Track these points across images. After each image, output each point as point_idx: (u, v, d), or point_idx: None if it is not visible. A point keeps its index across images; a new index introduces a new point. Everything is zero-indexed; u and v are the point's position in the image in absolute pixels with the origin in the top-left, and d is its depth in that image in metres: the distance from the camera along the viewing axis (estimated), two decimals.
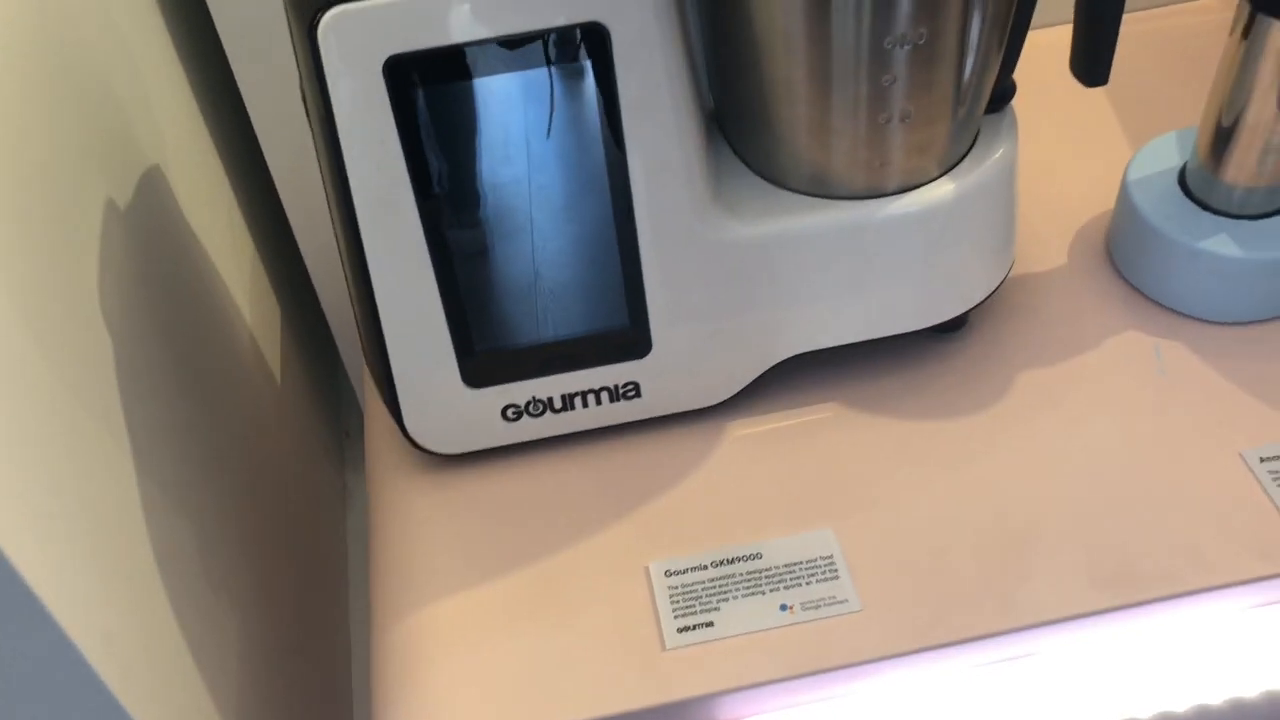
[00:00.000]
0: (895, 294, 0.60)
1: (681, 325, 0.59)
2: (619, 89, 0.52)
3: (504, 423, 0.60)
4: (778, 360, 0.62)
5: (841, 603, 0.55)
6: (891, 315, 0.61)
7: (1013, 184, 0.61)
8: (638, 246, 0.56)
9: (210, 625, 0.59)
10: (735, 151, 0.60)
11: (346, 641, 0.90)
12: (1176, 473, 0.59)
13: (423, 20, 0.49)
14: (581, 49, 0.51)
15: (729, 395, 0.62)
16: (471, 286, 0.57)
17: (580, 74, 0.52)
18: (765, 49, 0.53)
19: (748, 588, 0.55)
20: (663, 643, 0.54)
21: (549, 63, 0.51)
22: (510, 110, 0.53)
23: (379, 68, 0.49)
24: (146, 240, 0.63)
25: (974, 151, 0.59)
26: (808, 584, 0.55)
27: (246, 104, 0.76)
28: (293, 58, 0.52)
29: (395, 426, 0.61)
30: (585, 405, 0.60)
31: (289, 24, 0.51)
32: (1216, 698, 0.59)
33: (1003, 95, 0.59)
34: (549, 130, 0.54)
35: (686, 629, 0.54)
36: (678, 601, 0.55)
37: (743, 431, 0.63)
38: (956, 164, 0.58)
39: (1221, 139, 0.62)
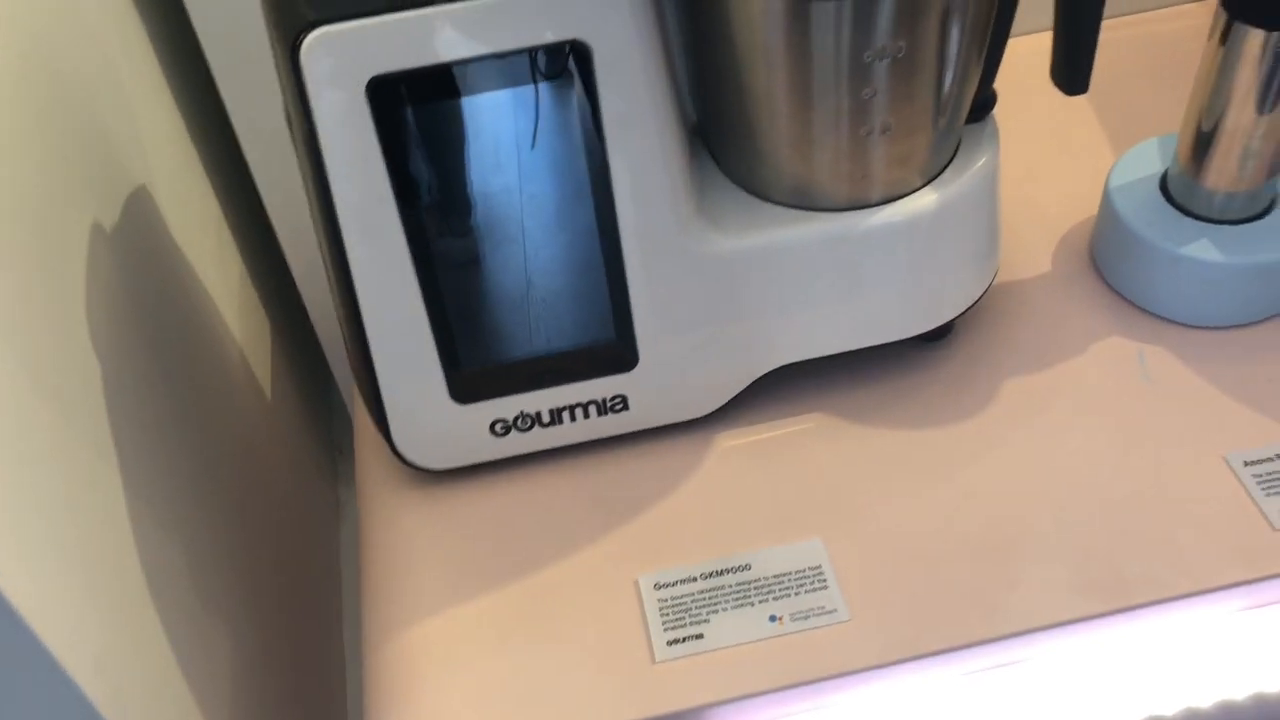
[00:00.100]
0: (880, 304, 0.61)
1: (668, 338, 0.59)
2: (601, 105, 0.52)
3: (492, 438, 0.60)
4: (764, 371, 0.62)
5: (830, 613, 0.55)
6: (877, 325, 0.62)
7: (995, 193, 0.61)
8: (623, 261, 0.57)
9: (202, 643, 0.59)
10: (718, 165, 0.60)
11: (341, 657, 0.90)
12: (1162, 478, 0.59)
13: (405, 40, 0.49)
14: (563, 67, 0.51)
15: (716, 407, 0.62)
16: (458, 303, 0.57)
17: (562, 91, 0.52)
18: (746, 64, 0.53)
19: (737, 599, 0.56)
20: (653, 655, 0.54)
21: (531, 80, 0.52)
22: (493, 127, 0.53)
23: (362, 87, 0.50)
24: (134, 260, 0.63)
25: (956, 161, 0.59)
26: (796, 594, 0.55)
27: (232, 121, 0.77)
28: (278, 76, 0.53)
29: (384, 442, 0.61)
30: (573, 419, 0.61)
31: (271, 44, 0.52)
32: (1205, 701, 0.59)
33: (984, 105, 0.60)
34: (532, 147, 0.54)
35: (676, 641, 0.54)
36: (667, 614, 0.55)
37: (730, 443, 0.63)
38: (939, 174, 0.59)
39: (1202, 145, 0.63)
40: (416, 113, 0.52)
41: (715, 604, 0.55)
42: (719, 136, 0.60)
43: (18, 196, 0.51)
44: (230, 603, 0.65)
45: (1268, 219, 0.64)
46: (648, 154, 0.54)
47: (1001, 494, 0.59)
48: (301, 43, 0.49)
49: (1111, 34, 0.81)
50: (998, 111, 0.61)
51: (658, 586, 0.56)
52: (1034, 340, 0.65)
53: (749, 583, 0.56)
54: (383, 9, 0.49)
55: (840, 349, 0.62)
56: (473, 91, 0.52)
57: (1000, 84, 0.60)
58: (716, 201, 0.59)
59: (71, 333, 0.52)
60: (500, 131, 0.53)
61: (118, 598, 0.50)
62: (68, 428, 0.49)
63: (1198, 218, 0.64)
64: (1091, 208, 0.70)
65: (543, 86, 0.52)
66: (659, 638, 0.54)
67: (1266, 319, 0.65)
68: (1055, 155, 0.75)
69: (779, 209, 0.58)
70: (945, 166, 0.59)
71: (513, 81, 0.52)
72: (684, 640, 0.54)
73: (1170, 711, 0.59)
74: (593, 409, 0.61)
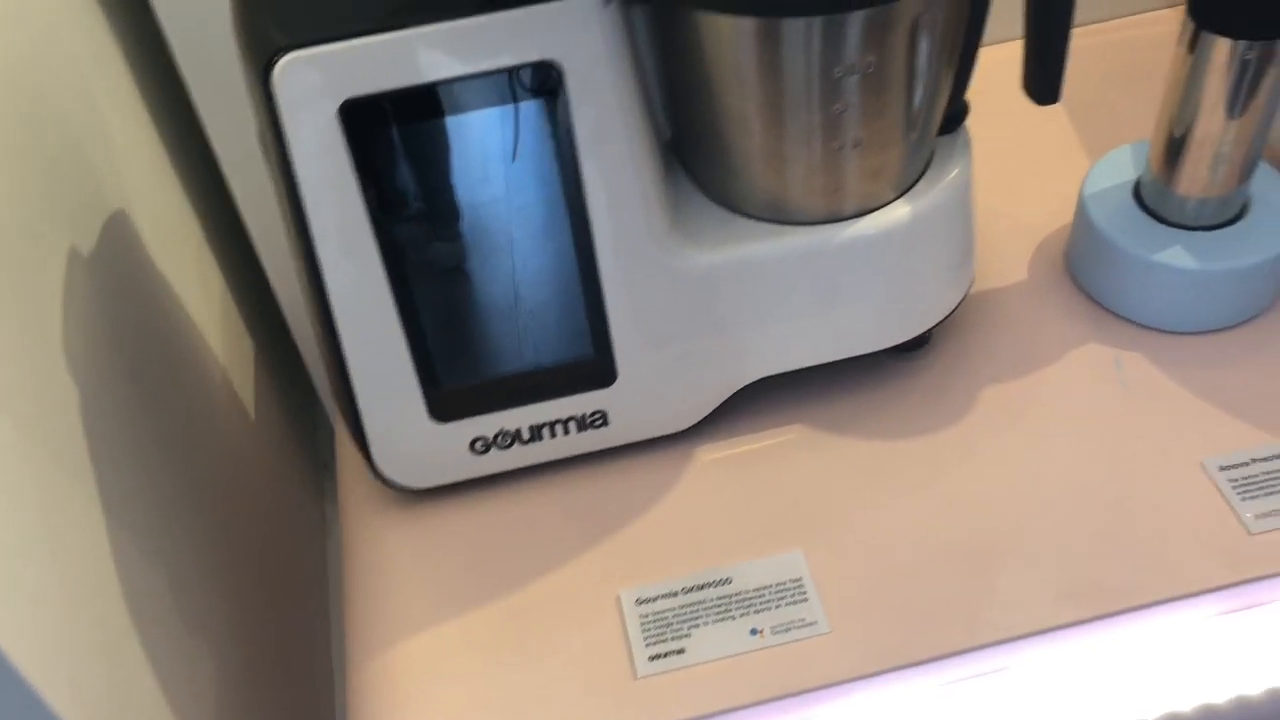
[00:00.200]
0: (857, 316, 0.61)
1: (646, 353, 0.60)
2: (574, 125, 0.53)
3: (472, 456, 0.60)
4: (743, 384, 0.63)
5: (811, 625, 0.55)
6: (854, 337, 0.62)
7: (968, 203, 0.62)
8: (599, 278, 0.57)
9: (184, 664, 0.59)
10: (694, 180, 0.61)
11: (329, 674, 0.90)
12: (1140, 483, 0.59)
13: (378, 63, 0.50)
14: (536, 87, 0.52)
15: (696, 421, 0.63)
16: (435, 322, 0.57)
17: (536, 111, 0.53)
18: (717, 81, 0.54)
19: (718, 613, 0.56)
20: (634, 671, 0.54)
21: (504, 101, 0.52)
22: (467, 148, 0.53)
23: (334, 110, 0.50)
24: (112, 284, 0.63)
25: (929, 173, 0.60)
26: (777, 607, 0.56)
27: (211, 141, 0.77)
28: None
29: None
30: (553, 435, 0.61)
31: (244, 68, 0.52)
32: (1187, 705, 0.59)
33: (955, 116, 0.60)
34: (507, 167, 0.54)
35: (658, 656, 0.54)
36: (649, 629, 0.55)
37: (711, 456, 0.63)
38: (912, 186, 0.59)
39: (1173, 152, 0.63)
40: (390, 134, 0.52)
41: (696, 618, 0.56)
42: (693, 152, 0.60)
43: None
44: (214, 622, 0.65)
45: (1240, 224, 0.64)
46: (621, 171, 0.54)
47: (980, 502, 0.60)
48: (273, 67, 0.49)
49: (1084, 41, 0.81)
50: (973, 121, 0.62)
51: (639, 602, 0.57)
52: (1011, 348, 0.66)
53: (730, 596, 0.56)
54: (354, 32, 0.49)
55: (818, 361, 0.62)
56: (446, 112, 0.52)
57: (975, 92, 0.60)
58: (692, 216, 0.59)
59: (47, 357, 0.52)
60: (475, 151, 0.53)
61: (95, 620, 0.50)
62: (42, 453, 0.49)
63: (1171, 224, 0.65)
64: (1067, 215, 0.70)
65: (516, 106, 0.53)
66: (641, 653, 0.55)
67: (1240, 323, 0.65)
68: (1030, 163, 0.76)
69: (754, 223, 0.59)
70: (918, 178, 0.60)
71: (486, 101, 0.52)
72: (665, 655, 0.54)
73: (1151, 716, 0.59)
74: (572, 425, 0.61)
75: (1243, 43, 0.58)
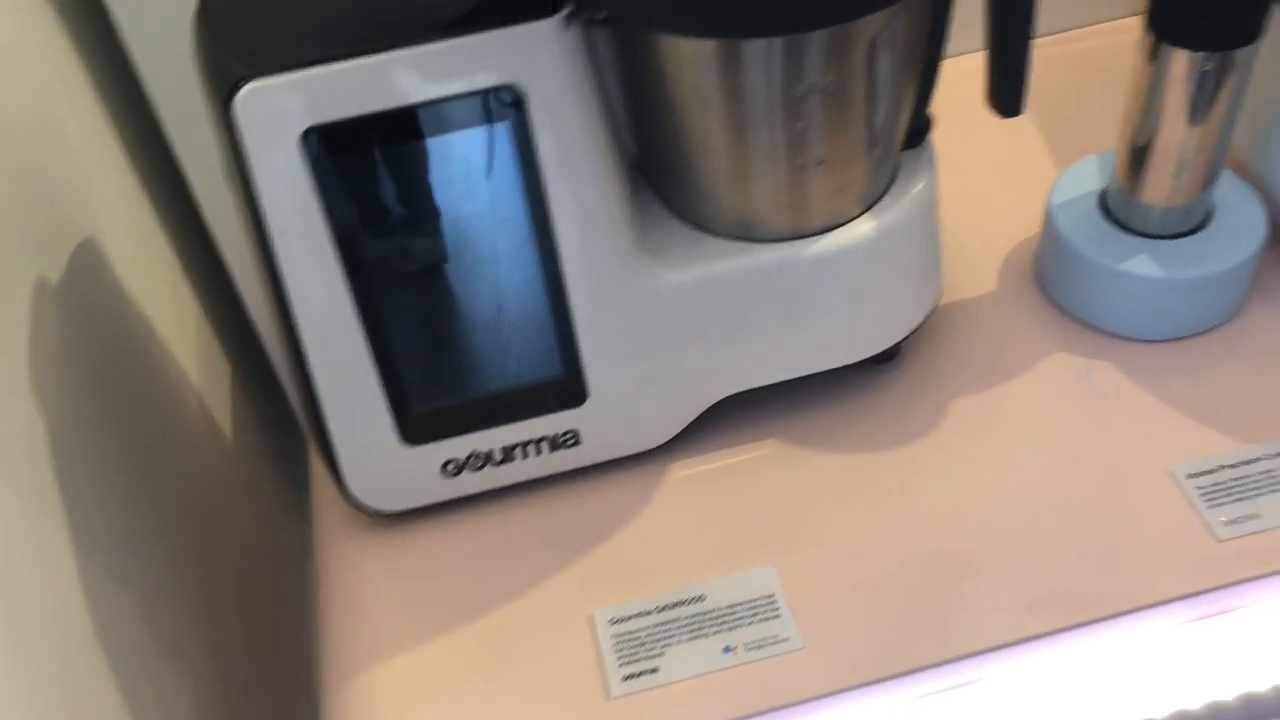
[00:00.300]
0: (825, 331, 0.61)
1: (616, 372, 0.60)
2: (538, 147, 0.53)
3: (444, 478, 0.61)
4: (714, 401, 0.63)
5: (784, 641, 0.55)
6: (823, 351, 0.62)
7: (934, 216, 0.62)
8: (568, 298, 0.57)
9: (158, 695, 0.59)
10: (660, 198, 0.61)
11: (312, 696, 0.90)
12: (1109, 493, 0.60)
13: (340, 91, 0.50)
14: (499, 111, 0.52)
15: (668, 438, 0.63)
16: (404, 346, 0.57)
17: (499, 134, 0.53)
18: (679, 102, 0.54)
19: (691, 631, 0.56)
20: (608, 691, 0.54)
21: (468, 125, 0.52)
22: (432, 172, 0.53)
23: (297, 139, 0.50)
24: (82, 315, 0.63)
25: (894, 188, 0.60)
26: (750, 624, 0.56)
27: (182, 164, 0.77)
28: None
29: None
30: (525, 456, 0.61)
31: (205, 97, 0.52)
32: (1161, 712, 0.59)
33: (919, 131, 0.61)
34: (472, 190, 0.54)
35: (631, 676, 0.54)
36: (622, 649, 0.55)
37: (683, 473, 0.63)
38: (877, 201, 0.60)
39: (1137, 161, 0.64)
40: (353, 159, 0.52)
41: (670, 637, 0.56)
42: (659, 171, 0.60)
43: None
44: (191, 651, 0.65)
45: (1204, 232, 0.65)
46: (587, 192, 0.55)
47: (952, 513, 0.60)
48: (235, 96, 0.49)
49: (1052, 50, 0.82)
50: (940, 132, 0.62)
51: (613, 621, 0.57)
52: (981, 359, 0.66)
53: (703, 614, 0.56)
54: (315, 60, 0.49)
55: (788, 376, 0.62)
56: (409, 137, 0.52)
57: (945, 103, 0.61)
58: (659, 235, 0.59)
59: (15, 397, 0.52)
60: (439, 175, 0.54)
61: (63, 656, 0.50)
62: (11, 493, 0.49)
63: (1137, 233, 0.65)
64: (1035, 226, 0.71)
65: (481, 129, 0.53)
66: (614, 673, 0.55)
67: (1208, 330, 0.66)
68: (998, 174, 0.76)
69: (721, 241, 0.59)
70: (884, 193, 0.60)
71: (450, 126, 0.52)
72: (639, 675, 0.54)
73: None
74: (545, 445, 0.61)
75: (1201, 54, 0.58)
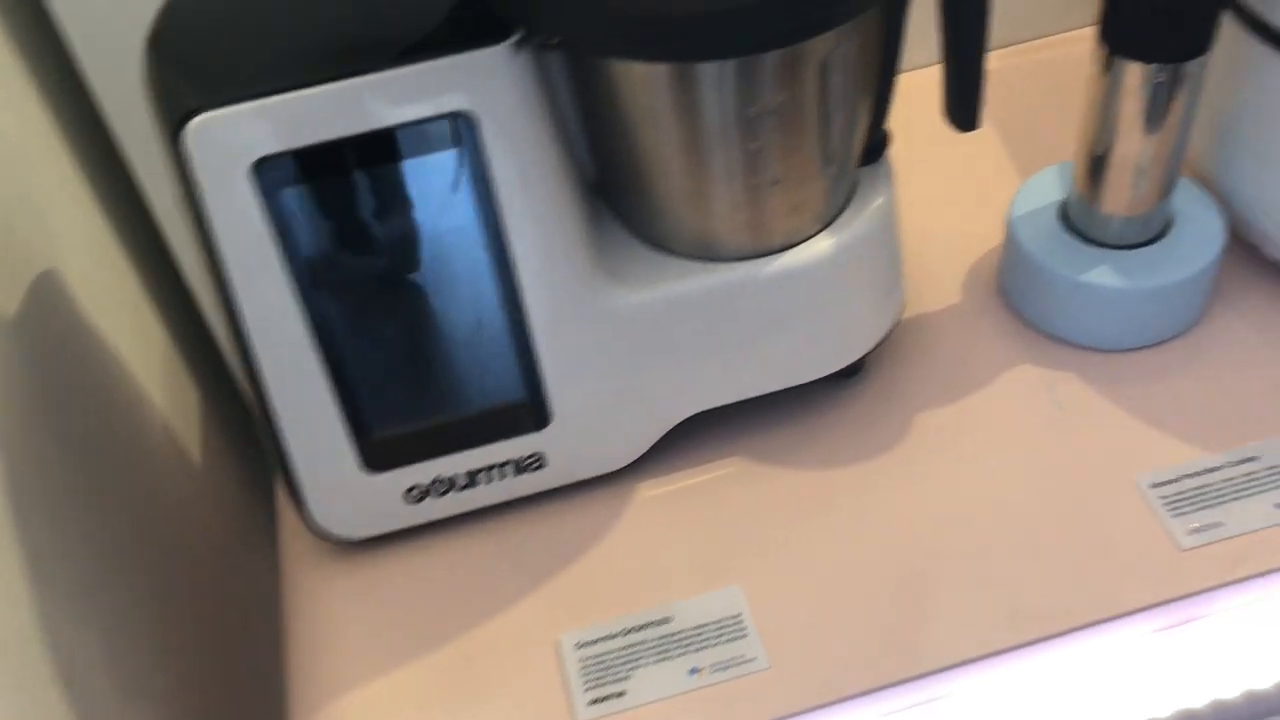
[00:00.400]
0: (788, 348, 0.61)
1: (579, 394, 0.60)
2: (493, 172, 0.53)
3: (408, 504, 0.60)
4: (678, 420, 0.63)
5: (750, 661, 0.55)
6: (786, 368, 0.62)
7: (893, 232, 0.62)
8: (528, 321, 0.57)
9: None
10: (619, 220, 0.61)
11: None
12: (1074, 504, 0.60)
13: (292, 120, 0.50)
14: (452, 137, 0.52)
15: (633, 459, 0.63)
16: (364, 372, 0.57)
17: (453, 160, 0.53)
18: (634, 124, 0.54)
19: (658, 653, 0.56)
20: (574, 716, 0.54)
21: (421, 152, 0.52)
22: (387, 199, 0.53)
23: (246, 170, 0.50)
24: (41, 348, 0.63)
25: (852, 204, 0.60)
26: (716, 645, 0.56)
27: (143, 189, 0.76)
28: None
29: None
30: (490, 480, 0.61)
31: (156, 127, 0.52)
32: None
33: (876, 147, 0.61)
34: (428, 216, 0.54)
35: (598, 700, 0.54)
36: (589, 673, 0.55)
37: (649, 493, 0.63)
38: (836, 218, 0.60)
39: (1095, 171, 0.64)
40: (308, 187, 0.52)
41: (637, 659, 0.56)
42: (617, 193, 0.60)
43: None
44: (155, 686, 0.64)
45: (1163, 242, 0.65)
46: (544, 216, 0.54)
47: (917, 529, 0.60)
48: (184, 129, 0.49)
49: (1012, 61, 0.82)
50: (902, 145, 0.62)
51: (579, 645, 0.56)
52: (945, 373, 0.66)
53: (670, 635, 0.56)
54: (267, 90, 0.49)
55: (751, 394, 0.62)
56: (362, 164, 0.52)
57: (909, 115, 0.61)
58: (619, 256, 0.59)
59: None
60: (394, 201, 0.53)
61: (19, 692, 0.49)
62: None
63: (1097, 244, 0.66)
64: (997, 238, 0.71)
65: (435, 155, 0.53)
66: (580, 698, 0.54)
67: (1169, 339, 0.66)
68: (960, 187, 0.76)
69: (681, 261, 0.59)
70: (842, 210, 0.60)
71: (403, 153, 0.52)
72: (606, 699, 0.54)
73: None
74: (509, 469, 0.61)
75: (1154, 65, 0.58)
